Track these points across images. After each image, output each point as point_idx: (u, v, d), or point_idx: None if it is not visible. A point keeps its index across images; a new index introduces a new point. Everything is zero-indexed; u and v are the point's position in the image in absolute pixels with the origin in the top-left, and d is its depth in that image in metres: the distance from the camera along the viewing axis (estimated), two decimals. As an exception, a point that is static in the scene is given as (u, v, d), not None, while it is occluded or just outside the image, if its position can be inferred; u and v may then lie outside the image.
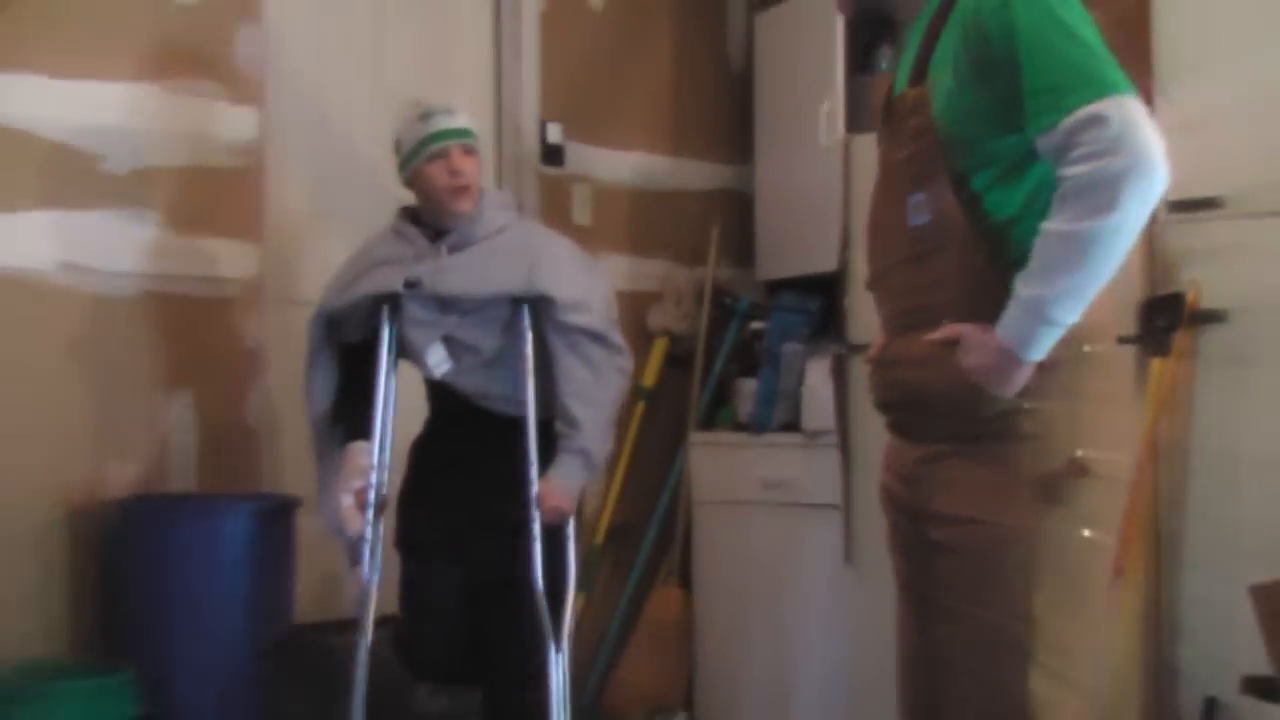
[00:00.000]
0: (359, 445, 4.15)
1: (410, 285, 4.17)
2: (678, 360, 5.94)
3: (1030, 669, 2.65)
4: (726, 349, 5.90)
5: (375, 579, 4.07)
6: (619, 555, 5.84)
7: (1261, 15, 4.39)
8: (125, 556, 4.51)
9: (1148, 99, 3.17)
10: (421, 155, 4.20)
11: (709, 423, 5.86)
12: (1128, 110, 2.52)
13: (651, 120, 6.03)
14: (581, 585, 5.61)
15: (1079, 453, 2.67)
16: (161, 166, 4.78)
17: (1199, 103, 4.36)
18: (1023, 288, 2.60)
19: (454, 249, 4.23)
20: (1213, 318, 4.45)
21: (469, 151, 4.24)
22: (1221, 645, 4.34)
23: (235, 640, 4.41)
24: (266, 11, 5.01)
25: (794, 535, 5.46)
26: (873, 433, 5.05)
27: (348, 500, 4.06)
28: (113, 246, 4.68)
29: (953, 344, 2.69)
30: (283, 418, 4.92)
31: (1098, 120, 2.51)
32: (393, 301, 4.19)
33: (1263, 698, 4.08)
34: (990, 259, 2.70)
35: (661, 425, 5.89)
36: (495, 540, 4.21)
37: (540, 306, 4.18)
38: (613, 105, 5.92)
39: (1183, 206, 4.34)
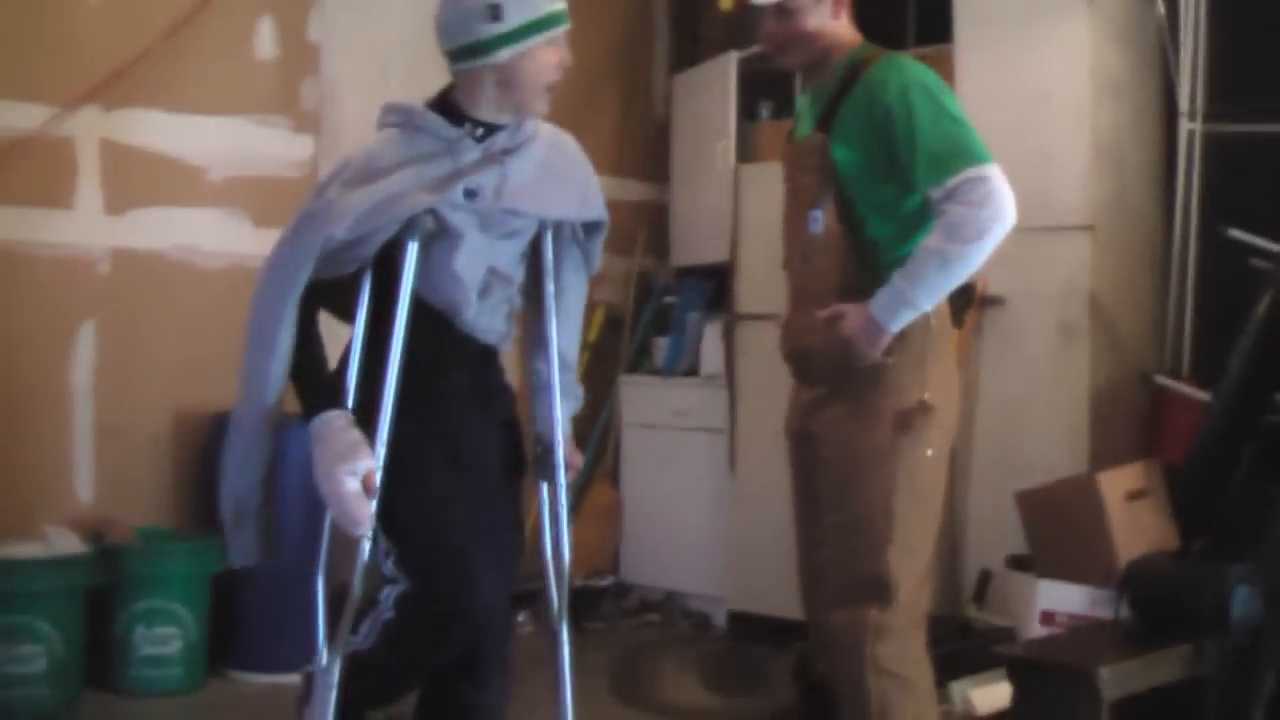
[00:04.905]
0: (346, 417, 2.48)
1: (470, 195, 2.48)
2: (613, 323, 5.88)
3: (888, 547, 2.68)
4: (647, 315, 5.87)
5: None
6: (569, 461, 5.79)
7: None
8: (216, 454, 4.47)
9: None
10: (540, 36, 2.53)
11: (634, 368, 5.83)
12: (995, 175, 2.59)
13: (600, 151, 5.79)
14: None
15: (925, 395, 2.71)
16: (246, 176, 4.72)
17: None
18: (899, 279, 2.62)
19: (507, 153, 2.56)
20: (994, 301, 4.53)
21: None
22: (994, 533, 4.40)
23: (294, 517, 4.35)
24: (324, 67, 4.96)
25: (693, 449, 5.46)
26: (749, 378, 5.17)
27: (354, 486, 2.40)
28: (211, 233, 4.64)
29: (837, 318, 2.69)
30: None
31: (976, 180, 2.58)
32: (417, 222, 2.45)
33: (1020, 569, 4.19)
34: (860, 265, 2.73)
35: (600, 369, 5.82)
36: (511, 491, 2.69)
37: (579, 232, 2.72)
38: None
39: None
